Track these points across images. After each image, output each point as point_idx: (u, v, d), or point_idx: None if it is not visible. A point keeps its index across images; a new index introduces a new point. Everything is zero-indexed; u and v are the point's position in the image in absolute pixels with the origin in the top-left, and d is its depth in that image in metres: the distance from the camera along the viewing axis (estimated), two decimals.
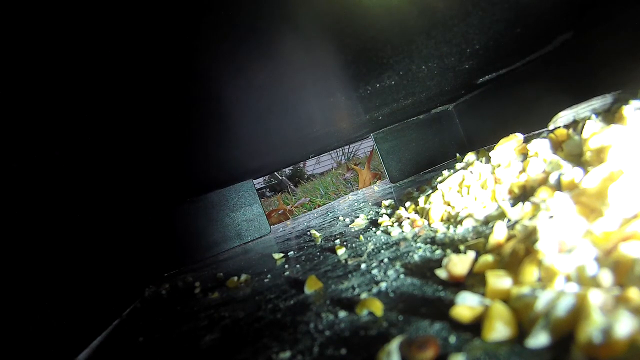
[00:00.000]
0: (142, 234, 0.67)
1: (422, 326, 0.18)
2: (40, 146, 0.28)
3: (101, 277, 0.45)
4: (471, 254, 0.22)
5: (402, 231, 0.37)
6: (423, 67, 0.42)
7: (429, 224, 0.35)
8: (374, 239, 0.38)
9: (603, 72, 0.47)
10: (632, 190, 0.20)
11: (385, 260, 0.30)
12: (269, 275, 0.38)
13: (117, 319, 0.42)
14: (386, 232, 0.39)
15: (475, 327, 0.16)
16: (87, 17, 0.17)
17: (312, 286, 0.29)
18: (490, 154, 0.36)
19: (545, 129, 0.37)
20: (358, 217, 0.54)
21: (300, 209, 1.34)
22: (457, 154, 0.59)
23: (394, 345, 0.16)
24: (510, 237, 0.23)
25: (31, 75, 0.20)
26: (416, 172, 0.88)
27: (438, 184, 0.39)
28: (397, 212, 0.43)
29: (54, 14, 0.16)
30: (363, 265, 0.30)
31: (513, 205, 0.29)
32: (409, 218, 0.39)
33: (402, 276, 0.25)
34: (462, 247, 0.26)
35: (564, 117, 0.37)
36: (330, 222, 0.62)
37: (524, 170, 0.32)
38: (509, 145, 0.35)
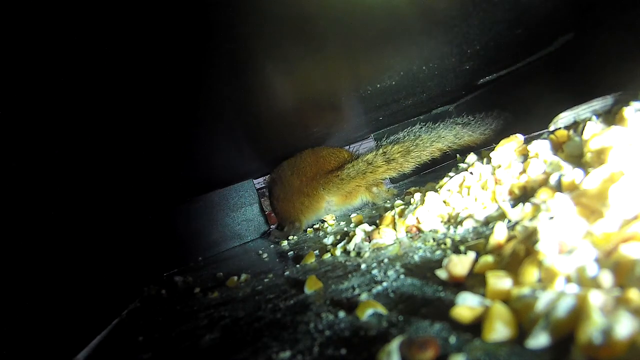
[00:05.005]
0: (142, 233, 0.67)
1: (422, 326, 0.18)
2: (40, 145, 0.28)
3: (101, 276, 0.45)
4: (471, 255, 0.22)
5: (401, 232, 0.37)
6: (424, 67, 0.42)
7: (421, 231, 0.35)
8: (374, 240, 0.37)
9: (604, 74, 0.47)
10: (632, 191, 0.20)
11: (385, 260, 0.30)
12: (269, 275, 0.38)
13: (116, 318, 0.42)
14: (386, 233, 0.39)
15: (476, 327, 0.16)
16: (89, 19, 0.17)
17: (312, 286, 0.29)
18: (491, 154, 0.36)
19: (546, 130, 0.37)
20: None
21: None
22: (457, 155, 0.59)
23: (394, 345, 0.16)
24: (510, 238, 0.23)
25: (37, 78, 0.20)
26: (416, 173, 0.88)
27: (438, 187, 0.39)
28: (396, 214, 0.43)
29: (55, 13, 0.16)
30: (363, 265, 0.30)
31: (513, 206, 0.29)
32: (406, 221, 0.39)
33: (402, 276, 0.25)
34: (462, 248, 0.26)
35: (564, 118, 0.37)
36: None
37: (524, 171, 0.32)
38: (510, 146, 0.35)
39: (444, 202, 0.35)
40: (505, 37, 0.39)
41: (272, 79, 0.31)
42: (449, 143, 0.55)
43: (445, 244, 0.28)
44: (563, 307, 0.14)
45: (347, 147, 0.88)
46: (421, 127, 0.57)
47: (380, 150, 0.56)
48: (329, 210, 0.62)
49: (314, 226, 0.61)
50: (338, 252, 0.37)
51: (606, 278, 0.15)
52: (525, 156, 0.34)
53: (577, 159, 0.29)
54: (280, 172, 0.65)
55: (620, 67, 0.44)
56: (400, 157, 0.55)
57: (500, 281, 0.18)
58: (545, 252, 0.18)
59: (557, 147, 0.32)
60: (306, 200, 0.59)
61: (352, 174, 0.56)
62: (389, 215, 0.39)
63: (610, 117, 0.31)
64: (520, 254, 0.20)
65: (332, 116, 0.53)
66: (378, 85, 0.43)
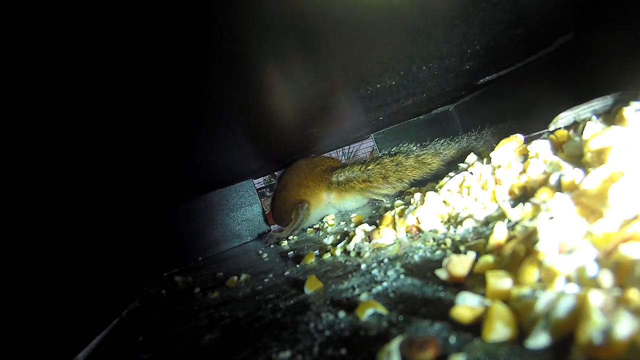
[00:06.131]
0: (142, 233, 0.67)
1: (422, 326, 0.18)
2: (40, 145, 0.28)
3: (101, 277, 0.45)
4: (471, 255, 0.22)
5: (401, 232, 0.37)
6: (424, 67, 0.42)
7: (421, 231, 0.35)
8: (374, 240, 0.37)
9: (604, 74, 0.47)
10: (632, 191, 0.20)
11: (385, 260, 0.30)
12: (269, 275, 0.38)
13: (116, 318, 0.42)
14: (386, 233, 0.39)
15: (476, 327, 0.16)
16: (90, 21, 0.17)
17: (312, 286, 0.29)
18: (491, 154, 0.36)
19: (546, 130, 0.37)
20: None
21: None
22: None
23: (394, 345, 0.16)
24: (510, 238, 0.23)
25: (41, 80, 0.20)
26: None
27: (438, 187, 0.39)
28: (396, 214, 0.43)
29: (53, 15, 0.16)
30: (363, 265, 0.30)
31: (513, 206, 0.29)
32: (406, 221, 0.39)
33: (402, 276, 0.25)
34: (462, 248, 0.26)
35: (564, 118, 0.37)
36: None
37: (524, 171, 0.32)
38: (510, 146, 0.35)
39: (444, 202, 0.35)
40: (505, 37, 0.39)
41: (272, 78, 0.31)
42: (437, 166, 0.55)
43: (445, 244, 0.28)
44: (563, 307, 0.14)
45: (347, 147, 0.88)
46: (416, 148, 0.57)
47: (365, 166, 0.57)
48: (329, 204, 0.63)
49: (314, 226, 0.61)
50: (338, 252, 0.37)
51: (606, 278, 0.15)
52: (525, 156, 0.34)
53: (577, 159, 0.29)
54: (281, 178, 0.68)
55: (620, 67, 0.44)
56: (380, 177, 0.56)
57: (500, 281, 0.18)
58: (545, 252, 0.18)
59: (557, 147, 0.32)
60: (308, 190, 0.62)
61: (343, 180, 0.59)
62: (389, 215, 0.39)
63: (610, 117, 0.31)
64: (520, 254, 0.20)
65: (332, 116, 0.53)
66: (378, 85, 0.43)
